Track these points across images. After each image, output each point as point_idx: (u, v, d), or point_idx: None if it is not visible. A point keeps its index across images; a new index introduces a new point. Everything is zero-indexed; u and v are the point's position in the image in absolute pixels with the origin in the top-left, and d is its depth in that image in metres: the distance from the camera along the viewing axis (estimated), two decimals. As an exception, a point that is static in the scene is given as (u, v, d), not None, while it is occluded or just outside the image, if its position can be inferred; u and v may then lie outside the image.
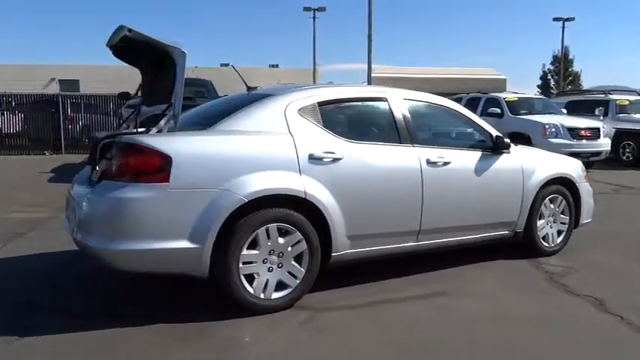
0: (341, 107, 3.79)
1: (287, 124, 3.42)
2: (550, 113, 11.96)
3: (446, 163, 3.92)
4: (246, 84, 4.09)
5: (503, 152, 4.30)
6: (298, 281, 3.35)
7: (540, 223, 4.58)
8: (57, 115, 14.83)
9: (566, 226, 4.78)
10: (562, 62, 36.60)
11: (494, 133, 4.34)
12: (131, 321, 3.13)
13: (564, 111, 12.60)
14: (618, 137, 12.26)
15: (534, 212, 4.49)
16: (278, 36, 72.34)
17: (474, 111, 8.58)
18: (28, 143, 15.01)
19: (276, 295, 3.29)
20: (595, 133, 11.09)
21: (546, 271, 4.28)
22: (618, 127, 12.39)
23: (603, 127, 11.33)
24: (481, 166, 4.14)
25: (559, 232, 4.75)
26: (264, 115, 3.43)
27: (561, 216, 4.74)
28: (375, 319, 3.29)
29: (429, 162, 3.85)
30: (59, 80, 35.29)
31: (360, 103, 3.92)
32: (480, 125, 4.35)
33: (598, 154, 10.97)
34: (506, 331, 3.12)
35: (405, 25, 69.99)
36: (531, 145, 7.40)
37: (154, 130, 3.26)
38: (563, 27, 33.12)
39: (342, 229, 3.47)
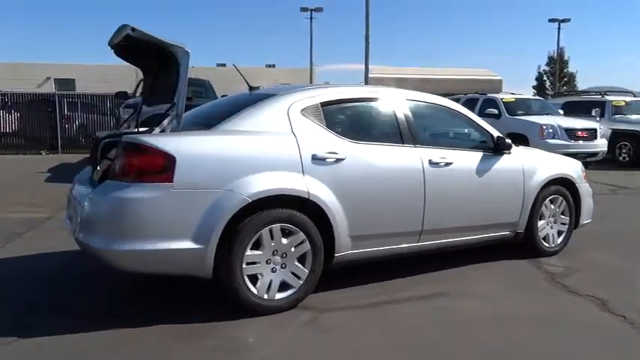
0: (344, 107, 3.78)
1: (290, 125, 3.41)
2: (547, 114, 12.02)
3: (448, 164, 3.93)
4: (248, 84, 4.08)
5: (505, 153, 4.31)
6: (302, 282, 3.35)
7: (541, 223, 4.60)
8: (53, 115, 14.75)
9: (567, 226, 4.79)
10: (557, 63, 36.74)
11: (496, 133, 4.35)
12: (133, 321, 3.12)
13: (561, 112, 12.65)
14: (614, 138, 12.32)
15: (535, 213, 4.51)
16: (275, 36, 72.34)
17: (472, 112, 8.58)
18: (24, 143, 14.93)
19: (279, 295, 3.29)
20: (592, 134, 11.16)
21: (547, 271, 4.29)
22: (614, 127, 12.45)
23: (600, 128, 11.38)
24: (482, 167, 4.15)
25: (559, 233, 4.77)
26: (267, 115, 3.42)
27: (561, 216, 4.76)
28: (378, 319, 3.29)
29: (431, 162, 3.85)
30: (55, 79, 35.16)
31: (362, 104, 3.92)
32: (481, 126, 4.36)
33: (595, 154, 11.02)
34: (509, 331, 3.13)
35: (400, 26, 70.17)
36: (528, 146, 7.41)
37: (157, 129, 3.25)
38: (559, 28, 33.29)
39: (345, 230, 3.47)
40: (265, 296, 3.24)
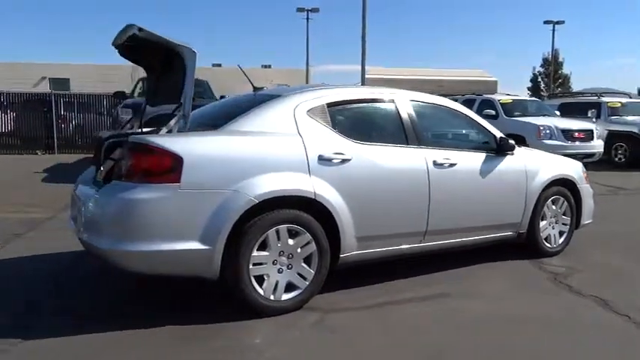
0: (349, 108, 3.79)
1: (296, 125, 3.41)
2: (544, 115, 12.08)
3: (452, 165, 3.94)
4: (252, 84, 4.08)
5: (507, 154, 4.33)
6: (308, 282, 3.34)
7: (543, 224, 4.62)
8: (49, 115, 14.66)
9: (568, 226, 4.82)
10: (552, 65, 36.94)
11: (498, 134, 4.37)
12: (137, 323, 3.11)
13: (558, 113, 12.72)
14: (610, 139, 12.39)
15: (537, 213, 4.53)
16: (270, 37, 72.26)
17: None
18: (20, 143, 14.83)
19: (285, 296, 3.28)
20: (588, 135, 11.22)
21: (550, 271, 4.31)
22: (610, 129, 12.52)
23: (596, 129, 11.45)
24: (486, 168, 4.16)
25: (561, 233, 4.79)
26: (274, 116, 3.42)
27: (563, 217, 4.78)
28: (383, 320, 3.30)
29: (435, 163, 3.86)
30: (50, 79, 34.98)
31: (367, 105, 3.92)
32: (483, 127, 4.37)
33: (591, 155, 11.08)
34: (513, 332, 3.14)
35: (395, 27, 70.27)
36: (527, 147, 7.45)
37: (163, 130, 3.24)
38: (554, 30, 33.42)
39: (351, 230, 3.48)
40: (272, 297, 3.24)
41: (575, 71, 50.19)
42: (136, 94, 11.22)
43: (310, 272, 3.35)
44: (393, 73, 29.93)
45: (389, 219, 3.68)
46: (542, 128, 10.86)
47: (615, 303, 3.54)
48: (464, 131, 4.47)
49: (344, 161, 3.45)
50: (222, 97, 12.40)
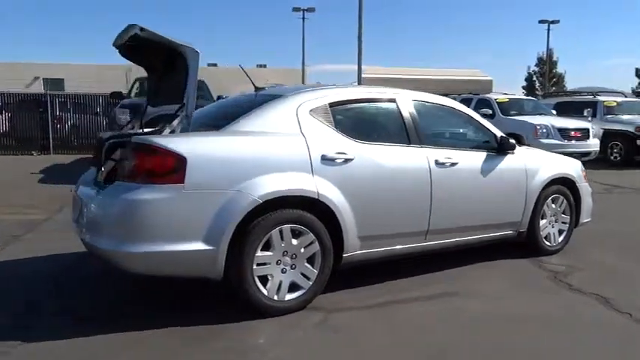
0: (351, 108, 3.79)
1: (299, 125, 3.41)
2: (540, 114, 12.13)
3: (453, 164, 3.95)
4: (254, 84, 4.07)
5: (508, 153, 4.34)
6: (311, 282, 3.35)
7: (543, 222, 4.64)
8: (45, 115, 14.59)
9: (567, 225, 4.84)
10: (547, 64, 37.09)
11: (499, 133, 4.38)
12: (138, 324, 3.10)
13: (554, 112, 12.78)
14: (606, 138, 12.46)
15: (537, 212, 4.55)
16: (266, 36, 72.18)
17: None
18: (15, 143, 14.75)
19: (289, 296, 3.28)
20: (584, 134, 11.28)
21: (549, 270, 4.33)
22: (606, 127, 12.59)
23: (592, 128, 11.51)
24: (487, 167, 4.18)
25: (560, 232, 4.82)
26: (277, 116, 3.42)
27: (562, 215, 4.81)
28: (386, 319, 3.31)
29: (437, 162, 3.87)
30: (44, 79, 34.82)
31: (369, 104, 3.93)
32: (484, 126, 4.39)
33: (588, 154, 11.13)
34: (516, 330, 3.15)
35: (391, 27, 70.34)
36: (524, 145, 7.48)
37: (167, 130, 3.23)
38: (549, 29, 33.56)
39: (354, 230, 3.48)
40: (275, 297, 3.24)
41: (569, 70, 50.42)
42: (132, 95, 11.18)
43: (313, 272, 3.36)
44: (389, 72, 29.88)
45: (391, 218, 3.68)
46: (539, 127, 10.91)
47: (616, 301, 3.56)
48: (465, 130, 4.47)
49: (347, 161, 3.46)
50: (219, 97, 12.39)
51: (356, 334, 3.07)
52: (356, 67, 19.52)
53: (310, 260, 3.35)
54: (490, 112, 11.85)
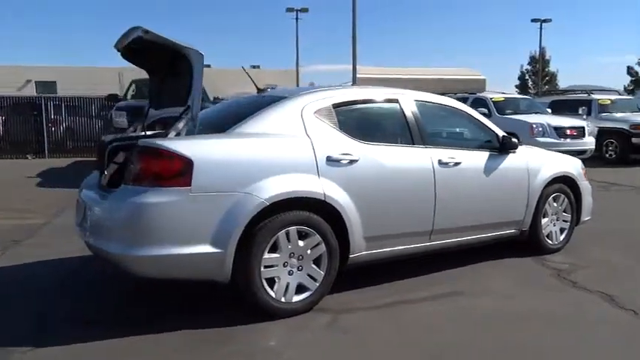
0: (355, 109, 3.79)
1: (304, 127, 3.41)
2: (536, 113, 12.18)
3: (457, 164, 3.97)
4: (256, 86, 4.07)
5: (510, 152, 4.36)
6: (318, 284, 3.35)
7: (545, 221, 4.66)
8: (39, 118, 14.50)
9: (568, 223, 4.87)
10: (540, 63, 37.28)
11: (501, 133, 4.40)
12: (147, 327, 3.09)
13: (549, 110, 12.84)
14: (601, 136, 12.52)
15: (539, 211, 4.57)
16: (259, 37, 72.04)
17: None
18: (9, 147, 14.63)
19: (296, 298, 3.28)
20: (580, 132, 11.34)
21: (553, 268, 4.35)
22: (601, 125, 12.66)
23: (588, 126, 11.57)
24: (489, 166, 4.19)
25: (561, 230, 4.84)
26: (282, 117, 3.41)
27: (564, 214, 4.83)
28: (394, 319, 3.31)
29: (440, 162, 3.88)
30: (36, 82, 34.59)
31: (373, 105, 3.93)
32: (486, 125, 4.41)
33: (584, 152, 11.17)
34: (524, 328, 3.16)
35: (385, 27, 70.44)
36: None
37: (172, 133, 3.22)
38: (541, 28, 33.74)
39: (360, 231, 3.48)
40: (282, 299, 3.23)
41: (561, 69, 50.76)
42: (129, 97, 11.13)
43: (320, 273, 3.36)
44: (384, 72, 29.96)
45: (396, 219, 3.69)
46: (534, 126, 10.95)
47: (621, 298, 3.58)
48: (467, 130, 4.49)
49: (352, 162, 3.46)
50: (215, 98, 12.35)
51: (365, 335, 3.07)
52: (349, 67, 19.59)
53: (317, 262, 3.35)
54: (486, 111, 11.87)
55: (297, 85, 29.20)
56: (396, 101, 3.93)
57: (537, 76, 37.31)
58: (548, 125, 11.05)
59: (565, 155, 5.13)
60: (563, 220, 4.84)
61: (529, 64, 40.04)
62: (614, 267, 4.42)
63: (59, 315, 3.36)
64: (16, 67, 34.97)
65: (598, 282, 3.94)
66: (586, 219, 5.05)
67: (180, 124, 3.23)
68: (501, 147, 4.32)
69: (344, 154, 3.44)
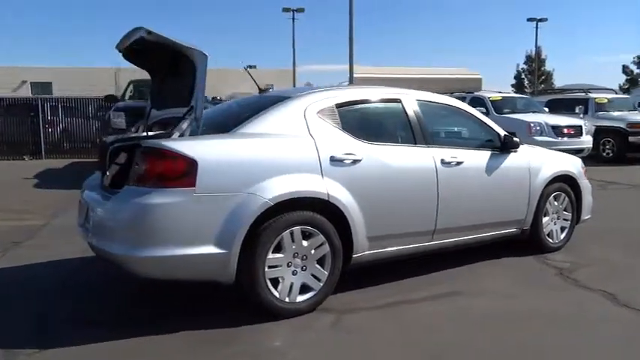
0: (358, 109, 3.79)
1: (307, 127, 3.41)
2: (533, 112, 12.20)
3: (459, 163, 3.97)
4: (258, 86, 4.06)
5: (512, 151, 4.37)
6: (321, 284, 3.35)
7: (545, 220, 4.68)
8: (36, 119, 14.43)
9: (569, 222, 4.88)
10: (536, 62, 37.39)
11: (502, 132, 4.41)
12: (151, 328, 3.08)
13: (546, 109, 12.87)
14: (598, 134, 12.55)
15: (540, 209, 4.58)
16: (253, 37, 71.99)
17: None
18: (6, 148, 14.55)
19: (300, 298, 3.28)
20: (577, 131, 11.37)
21: (554, 266, 4.36)
22: (598, 124, 12.70)
23: (585, 125, 11.61)
24: (491, 166, 4.20)
25: (562, 229, 4.85)
26: (285, 117, 3.41)
27: (564, 212, 4.85)
28: (397, 319, 3.31)
29: (443, 162, 3.89)
30: (31, 83, 34.45)
31: (375, 105, 3.93)
32: (488, 125, 4.42)
33: (581, 150, 11.21)
34: (526, 328, 3.17)
35: (381, 28, 70.45)
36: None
37: (176, 134, 3.21)
38: (537, 27, 33.81)
39: (363, 231, 3.48)
40: (287, 299, 3.23)
41: (557, 68, 50.94)
42: (127, 98, 11.09)
43: (324, 273, 3.35)
44: (380, 72, 30.01)
45: (399, 218, 3.69)
46: (532, 125, 10.98)
47: (624, 297, 3.59)
48: (469, 130, 4.50)
49: (355, 162, 3.46)
50: (213, 98, 12.33)
51: (368, 335, 3.07)
52: (345, 67, 19.54)
53: (320, 262, 3.35)
54: (484, 110, 11.89)
55: (294, 85, 29.23)
56: (399, 101, 3.93)
57: (533, 75, 37.42)
58: (546, 124, 11.09)
59: (565, 154, 5.15)
60: (564, 219, 4.85)
61: (525, 63, 40.21)
62: (614, 265, 4.43)
63: (61, 316, 3.35)
64: (11, 68, 34.80)
65: (600, 280, 3.95)
66: (586, 218, 5.06)
67: (184, 125, 3.22)
68: (503, 146, 4.33)
69: (347, 153, 3.44)
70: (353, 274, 3.66)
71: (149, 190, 2.94)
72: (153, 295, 3.69)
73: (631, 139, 12.28)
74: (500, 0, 74.14)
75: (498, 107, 12.12)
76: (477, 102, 12.44)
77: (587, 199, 5.04)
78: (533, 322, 3.24)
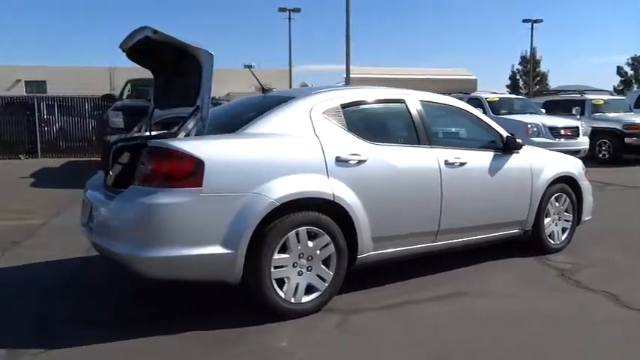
0: (362, 109, 3.79)
1: (313, 127, 3.41)
2: (530, 113, 12.25)
3: (462, 164, 3.98)
4: (262, 86, 4.05)
5: (514, 152, 4.38)
6: (327, 284, 3.34)
7: (547, 221, 4.69)
8: (32, 118, 14.36)
9: (570, 223, 4.90)
10: (531, 63, 37.55)
11: (505, 133, 4.42)
12: (157, 328, 3.07)
13: (543, 110, 12.92)
14: (594, 136, 12.60)
15: (542, 210, 4.60)
16: (250, 37, 71.83)
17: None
18: (1, 147, 14.46)
19: (305, 298, 3.28)
20: (574, 132, 11.42)
21: (556, 267, 4.37)
22: (594, 125, 12.76)
23: (582, 126, 11.67)
24: (494, 166, 4.21)
25: (563, 230, 4.87)
26: (290, 118, 3.41)
27: (565, 213, 4.86)
28: (402, 320, 3.32)
29: (446, 163, 3.89)
30: (25, 82, 34.26)
31: (379, 105, 3.94)
32: (490, 126, 4.43)
33: (578, 152, 11.25)
34: (531, 328, 3.17)
35: (377, 28, 70.53)
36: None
37: (182, 133, 3.20)
38: (532, 28, 33.95)
39: (367, 231, 3.48)
40: (292, 300, 3.22)
41: (552, 69, 51.21)
42: (124, 97, 11.04)
43: (329, 274, 3.35)
44: (376, 72, 30.02)
45: (403, 219, 3.70)
46: (530, 126, 11.01)
47: (627, 298, 3.61)
48: (471, 130, 4.50)
49: (360, 162, 3.46)
50: (212, 98, 12.28)
51: (374, 336, 3.07)
52: (341, 67, 19.62)
53: (326, 262, 3.35)
54: (481, 111, 11.91)
55: (290, 85, 29.21)
56: (402, 101, 3.94)
57: (528, 77, 37.59)
58: (543, 125, 11.13)
59: (566, 155, 5.17)
60: (565, 220, 4.87)
61: (520, 64, 40.37)
62: (615, 266, 4.45)
63: (64, 316, 3.33)
64: (5, 66, 34.60)
65: (601, 281, 3.96)
66: (587, 219, 5.09)
67: (190, 125, 3.21)
68: (505, 147, 4.35)
69: (352, 154, 3.44)
70: (358, 275, 3.66)
71: (155, 189, 2.93)
72: (159, 296, 3.68)
73: (627, 140, 12.34)
74: (495, 0, 74.39)
75: (496, 108, 12.15)
76: (474, 103, 12.44)
77: (588, 200, 5.06)
78: (537, 322, 3.25)
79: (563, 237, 4.86)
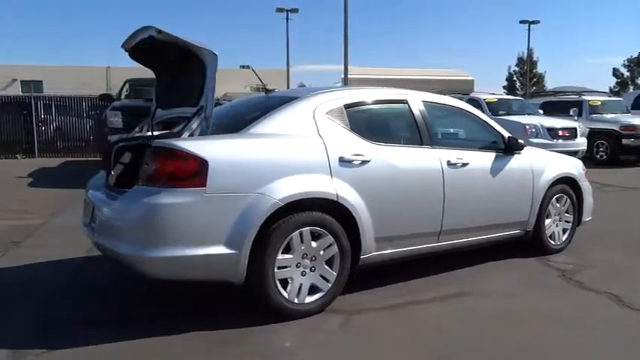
0: (365, 110, 3.79)
1: (316, 127, 3.40)
2: (528, 114, 12.28)
3: (464, 164, 3.99)
4: (265, 87, 4.04)
5: (515, 153, 4.39)
6: (330, 285, 3.34)
7: (548, 221, 4.70)
8: (29, 118, 14.30)
9: (570, 224, 4.91)
10: (528, 64, 37.65)
11: (506, 134, 4.43)
12: (160, 328, 3.06)
13: (541, 111, 12.96)
14: (592, 137, 12.64)
15: (543, 211, 4.61)
16: (248, 37, 71.81)
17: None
18: (-3, 147, 14.42)
19: (309, 299, 3.27)
20: (572, 133, 11.45)
21: (557, 268, 4.38)
22: (592, 126, 12.80)
23: (580, 127, 11.70)
24: (496, 167, 4.22)
25: (564, 230, 4.88)
26: (294, 118, 3.40)
27: (566, 214, 4.88)
28: (405, 320, 3.32)
29: (449, 163, 3.90)
30: (22, 81, 34.14)
31: (382, 106, 3.93)
32: (492, 126, 4.44)
33: (575, 153, 11.28)
34: (532, 328, 3.18)
35: (374, 29, 70.59)
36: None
37: (186, 133, 3.19)
38: (529, 29, 34.05)
39: (371, 231, 3.48)
40: (296, 300, 3.22)
41: (548, 70, 51.35)
42: (123, 97, 11.02)
43: (332, 274, 3.35)
44: (375, 72, 30.04)
45: (406, 219, 3.70)
46: (528, 127, 11.03)
47: (628, 298, 3.62)
48: (473, 131, 4.50)
49: (363, 162, 3.46)
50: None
51: (377, 336, 3.07)
52: (339, 67, 19.63)
53: (329, 262, 3.35)
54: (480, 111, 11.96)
55: (288, 86, 29.19)
56: (405, 102, 3.94)
57: (525, 78, 37.68)
58: (541, 126, 11.15)
59: (567, 156, 5.18)
60: (566, 221, 4.89)
61: (517, 65, 40.49)
62: (616, 267, 4.46)
63: (63, 316, 3.32)
64: (1, 66, 34.48)
65: (602, 282, 3.97)
66: (587, 219, 5.10)
67: (194, 124, 3.20)
68: (507, 148, 4.36)
69: (356, 154, 3.43)
70: (361, 275, 3.66)
71: (159, 189, 2.92)
72: (162, 296, 3.67)
73: (624, 141, 12.39)
74: (492, 2, 74.59)
75: (494, 109, 12.15)
76: (472, 104, 12.36)
77: (588, 200, 5.08)
78: (539, 323, 3.25)
79: (564, 238, 4.87)
